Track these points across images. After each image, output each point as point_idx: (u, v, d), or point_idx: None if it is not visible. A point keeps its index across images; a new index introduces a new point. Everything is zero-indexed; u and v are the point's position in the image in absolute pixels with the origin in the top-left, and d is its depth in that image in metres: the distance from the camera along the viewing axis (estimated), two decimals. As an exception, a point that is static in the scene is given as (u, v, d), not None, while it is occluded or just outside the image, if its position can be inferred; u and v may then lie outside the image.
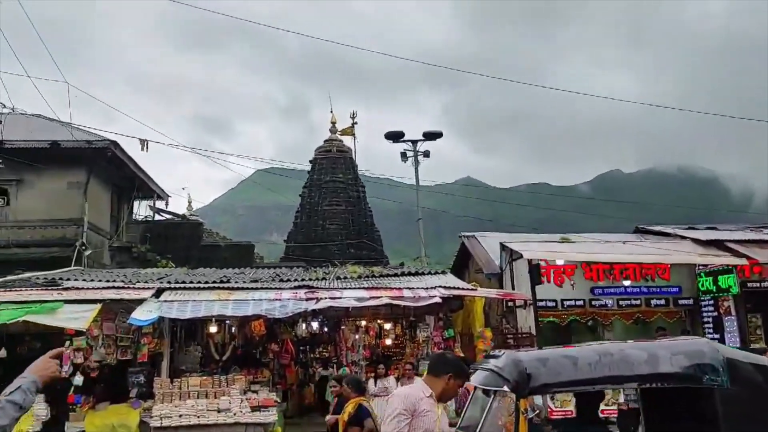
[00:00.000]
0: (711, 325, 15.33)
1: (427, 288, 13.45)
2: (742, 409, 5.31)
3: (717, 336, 15.05)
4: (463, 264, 20.21)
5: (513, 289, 15.38)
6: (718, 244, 15.42)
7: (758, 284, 15.06)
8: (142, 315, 11.63)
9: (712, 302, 15.22)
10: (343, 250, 28.38)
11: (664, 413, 5.63)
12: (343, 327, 14.75)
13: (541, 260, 15.01)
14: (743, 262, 14.09)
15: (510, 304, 15.76)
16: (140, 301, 12.22)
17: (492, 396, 5.71)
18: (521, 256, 14.88)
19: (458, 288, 13.60)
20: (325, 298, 13.00)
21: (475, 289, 13.83)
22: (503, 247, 16.11)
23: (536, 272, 14.27)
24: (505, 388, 5.42)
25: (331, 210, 30.20)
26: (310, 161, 31.64)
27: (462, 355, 13.43)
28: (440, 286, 13.56)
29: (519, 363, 5.53)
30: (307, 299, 12.80)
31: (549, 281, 15.52)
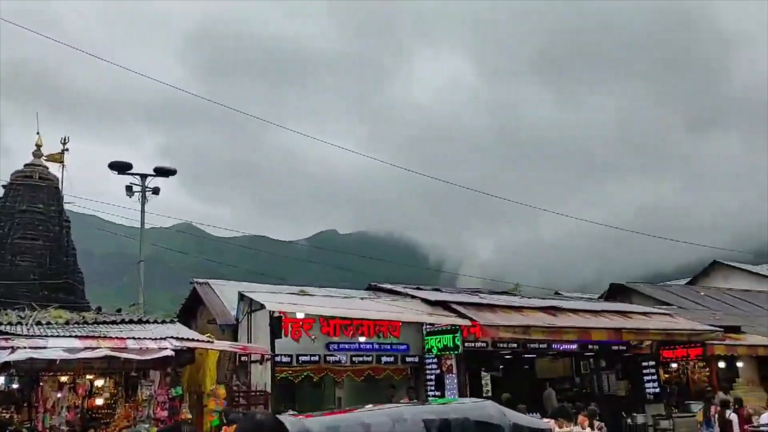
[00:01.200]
0: (433, 383, 16.03)
1: (155, 339, 11.83)
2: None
3: (438, 393, 15.77)
4: (190, 314, 18.61)
5: (249, 342, 14.40)
6: (444, 305, 16.38)
7: (473, 344, 16.24)
8: None
9: (435, 360, 15.96)
10: (34, 291, 24.41)
11: None
12: (42, 384, 12.20)
13: (280, 313, 14.33)
14: (467, 323, 15.06)
15: (243, 359, 14.72)
16: None
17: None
18: (261, 307, 14.05)
19: (193, 339, 12.22)
20: (24, 347, 10.65)
21: (212, 342, 12.57)
22: (242, 296, 15.12)
23: (278, 325, 13.53)
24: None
25: (25, 244, 25.92)
26: (3, 186, 26.88)
27: (189, 416, 11.98)
28: (172, 337, 12.05)
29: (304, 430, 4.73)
30: None
31: (287, 335, 14.85)
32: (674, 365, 20.77)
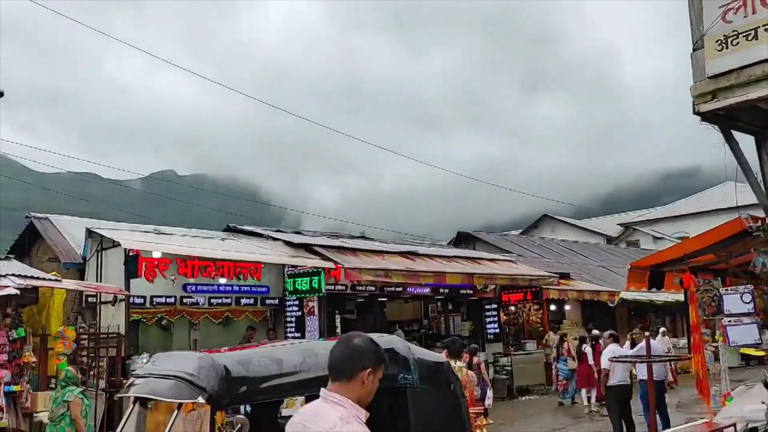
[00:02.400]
0: (293, 325, 16.01)
1: (-6, 276, 10.59)
2: (427, 405, 5.29)
3: (299, 335, 15.79)
4: (24, 251, 16.87)
5: (99, 282, 13.39)
6: (307, 248, 16.29)
7: (333, 287, 16.39)
8: None
9: (297, 302, 15.91)
10: None
11: None
12: None
13: (135, 251, 13.41)
14: (331, 265, 15.11)
15: (91, 299, 13.69)
16: None
17: (176, 411, 4.47)
18: (114, 245, 13.08)
19: (38, 278, 11.10)
20: None
21: (59, 281, 11.50)
22: (90, 233, 13.94)
23: (134, 264, 12.67)
24: (200, 399, 4.29)
25: None
26: None
27: (34, 359, 10.98)
28: (12, 275, 10.85)
29: (216, 367, 4.47)
30: None
31: (140, 275, 13.99)
32: (512, 308, 22.48)
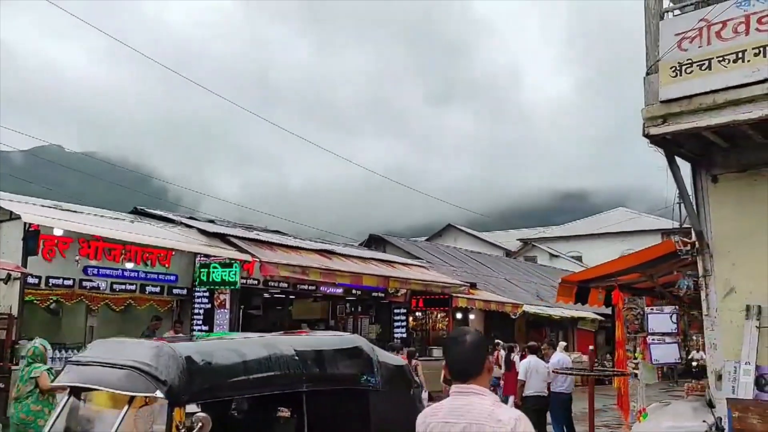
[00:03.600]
0: (201, 317, 15.27)
1: None
2: (388, 409, 5.07)
3: (206, 328, 15.08)
4: None
5: (-12, 257, 12.14)
6: (222, 238, 15.60)
7: (245, 281, 15.78)
8: None
9: (207, 294, 15.18)
10: None
11: (321, 416, 4.92)
12: None
13: (34, 227, 12.27)
14: (247, 258, 14.53)
15: (-21, 276, 12.37)
16: None
17: (127, 405, 3.99)
18: (10, 218, 11.94)
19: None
20: None
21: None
22: (-17, 203, 12.63)
23: (34, 240, 11.57)
24: (158, 393, 3.85)
25: None
26: None
27: None
28: None
29: (176, 358, 4.04)
30: None
31: (37, 253, 12.82)
32: (418, 314, 22.65)
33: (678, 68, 7.49)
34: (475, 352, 2.83)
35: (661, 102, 7.56)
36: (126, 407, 3.92)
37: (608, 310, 12.50)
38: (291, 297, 19.65)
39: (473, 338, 2.87)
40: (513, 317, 23.36)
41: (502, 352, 15.50)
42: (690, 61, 7.42)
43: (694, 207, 8.47)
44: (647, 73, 7.90)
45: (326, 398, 4.68)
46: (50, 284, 13.21)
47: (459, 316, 22.46)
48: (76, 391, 4.38)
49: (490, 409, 2.67)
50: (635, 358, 9.86)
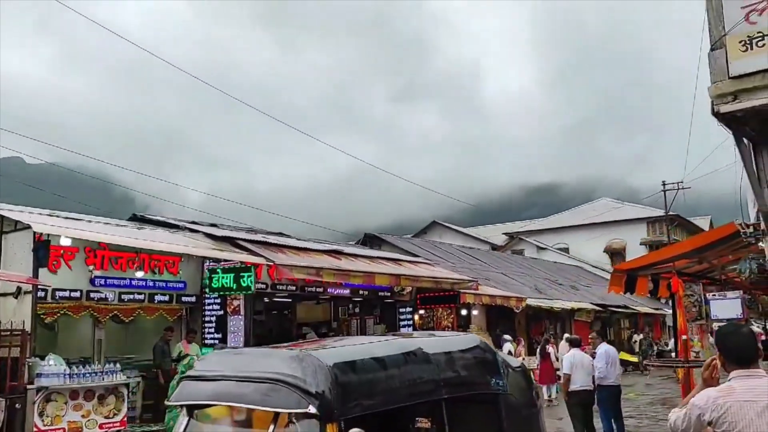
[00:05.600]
0: (213, 324, 14.65)
1: None
2: (515, 413, 4.65)
3: (219, 336, 14.48)
4: None
5: (-5, 271, 11.37)
6: (232, 242, 15.00)
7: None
8: None
9: (219, 301, 14.57)
10: None
11: (458, 425, 4.48)
12: None
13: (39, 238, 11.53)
14: (262, 261, 13.96)
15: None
16: None
17: (272, 425, 3.51)
18: (18, 228, 11.23)
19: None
20: None
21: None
22: (-13, 214, 11.87)
23: (46, 250, 10.87)
24: (311, 409, 3.38)
25: None
26: None
27: None
28: None
29: (324, 368, 3.58)
30: None
31: (48, 265, 12.08)
32: (422, 312, 22.24)
33: (748, 42, 7.21)
34: (753, 340, 3.21)
35: (731, 78, 7.27)
36: (271, 427, 3.44)
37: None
38: (295, 300, 19.08)
39: (748, 330, 3.32)
40: (516, 311, 23.14)
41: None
42: (761, 34, 7.15)
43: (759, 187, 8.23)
44: (711, 49, 7.61)
45: (461, 405, 4.24)
46: (57, 297, 12.51)
47: (464, 312, 22.15)
48: (190, 410, 3.87)
49: None
50: (694, 346, 9.62)
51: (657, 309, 33.12)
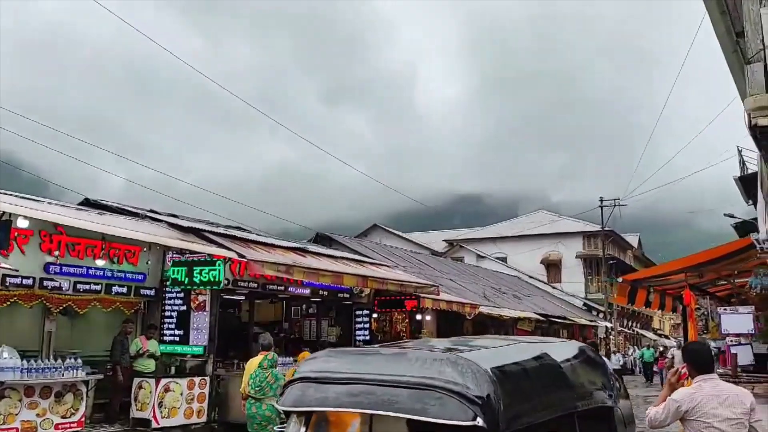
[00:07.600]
0: (174, 321, 13.72)
1: None
2: (623, 427, 4.35)
3: (181, 332, 13.58)
4: None
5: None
6: (198, 233, 14.14)
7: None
8: None
9: (182, 295, 13.65)
10: None
11: None
12: None
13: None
14: (234, 255, 13.19)
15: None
16: None
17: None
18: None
19: None
20: None
21: None
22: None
23: (6, 231, 9.78)
24: (480, 422, 2.93)
25: None
26: None
27: None
28: None
29: (484, 374, 3.16)
30: None
31: (9, 248, 10.91)
32: (375, 315, 21.83)
33: (787, 56, 7.24)
34: (711, 354, 4.44)
35: (771, 92, 7.28)
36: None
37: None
38: (249, 298, 18.25)
39: (708, 346, 4.74)
40: (468, 318, 23.10)
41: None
42: (800, 48, 7.19)
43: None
44: (748, 62, 7.62)
45: (588, 421, 3.87)
46: (7, 284, 11.34)
47: (418, 317, 21.90)
48: (308, 420, 3.32)
49: (730, 386, 4.23)
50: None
51: (591, 321, 34.04)
